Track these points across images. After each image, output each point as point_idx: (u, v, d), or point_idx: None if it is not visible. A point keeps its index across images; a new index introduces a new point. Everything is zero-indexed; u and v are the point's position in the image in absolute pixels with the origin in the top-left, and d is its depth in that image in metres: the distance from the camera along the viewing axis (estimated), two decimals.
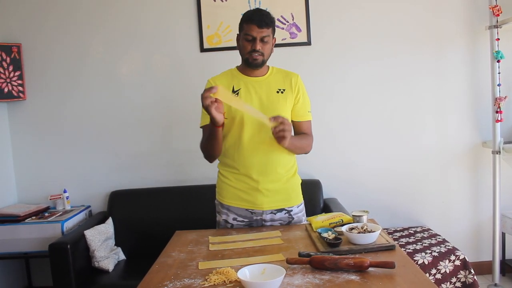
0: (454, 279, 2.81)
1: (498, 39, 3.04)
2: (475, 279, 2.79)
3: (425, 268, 2.74)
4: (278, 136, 1.86)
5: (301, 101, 2.11)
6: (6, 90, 3.12)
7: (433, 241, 2.98)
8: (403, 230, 3.24)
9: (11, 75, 3.15)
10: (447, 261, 2.79)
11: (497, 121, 3.07)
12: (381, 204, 3.30)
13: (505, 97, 3.06)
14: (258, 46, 1.97)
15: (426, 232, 3.16)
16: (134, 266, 2.93)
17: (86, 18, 3.24)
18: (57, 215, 3.04)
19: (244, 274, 1.43)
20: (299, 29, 3.23)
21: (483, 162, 3.31)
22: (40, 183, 3.32)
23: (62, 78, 3.28)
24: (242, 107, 1.90)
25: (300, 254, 1.60)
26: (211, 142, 1.99)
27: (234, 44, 2.22)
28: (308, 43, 3.24)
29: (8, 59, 3.13)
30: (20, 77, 3.21)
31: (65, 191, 3.23)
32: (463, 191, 3.36)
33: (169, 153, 3.31)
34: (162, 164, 3.33)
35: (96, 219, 3.10)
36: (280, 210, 2.10)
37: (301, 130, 2.16)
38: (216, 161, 2.18)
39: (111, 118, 3.31)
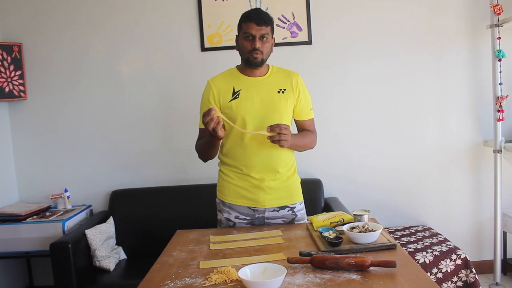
0: (455, 278, 2.80)
1: (499, 37, 3.04)
2: (476, 278, 2.79)
3: (426, 267, 2.74)
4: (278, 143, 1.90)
5: (303, 100, 2.12)
6: (7, 89, 3.12)
7: (434, 240, 2.98)
8: (404, 229, 3.24)
9: (12, 74, 3.15)
10: (448, 260, 2.79)
11: (499, 120, 3.07)
12: (382, 203, 3.30)
13: (507, 96, 3.05)
14: (258, 44, 1.98)
15: (427, 231, 3.16)
16: (135, 266, 2.93)
17: (87, 17, 3.24)
18: (58, 214, 3.05)
19: (245, 273, 1.43)
20: (300, 28, 3.23)
21: (485, 161, 3.31)
22: (41, 182, 3.32)
23: (63, 78, 3.28)
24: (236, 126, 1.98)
25: (301, 253, 1.60)
26: (210, 150, 2.06)
27: (235, 43, 2.21)
28: (309, 42, 3.24)
29: (9, 58, 3.13)
30: (21, 76, 3.21)
31: (66, 191, 3.23)
32: (464, 190, 3.36)
33: (170, 152, 3.32)
34: (163, 163, 3.33)
35: (97, 219, 3.10)
36: (283, 208, 2.11)
37: (304, 128, 2.18)
38: (217, 160, 2.19)
39: (112, 118, 3.31)
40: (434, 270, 2.77)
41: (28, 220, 2.94)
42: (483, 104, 3.28)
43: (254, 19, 1.97)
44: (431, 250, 2.83)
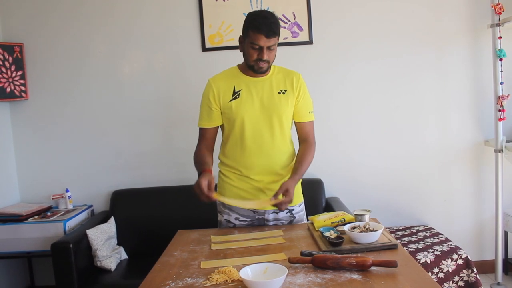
0: (456, 278, 2.80)
1: (500, 37, 3.04)
2: (477, 278, 2.79)
3: (427, 267, 2.74)
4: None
5: (302, 101, 2.09)
6: (8, 89, 3.13)
7: (436, 240, 2.98)
8: (405, 229, 3.23)
9: (13, 74, 3.16)
10: (449, 260, 2.79)
11: (500, 119, 3.07)
12: (383, 203, 3.30)
13: (508, 95, 3.05)
14: (265, 56, 1.94)
15: (428, 231, 3.16)
16: (136, 266, 2.93)
17: (87, 17, 3.24)
18: (59, 214, 3.05)
19: (246, 273, 1.43)
20: (300, 28, 3.23)
21: (486, 161, 3.30)
22: (42, 182, 3.33)
23: (64, 78, 3.28)
24: (237, 204, 2.00)
25: (302, 253, 1.60)
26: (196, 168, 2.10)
27: (236, 43, 2.19)
28: (310, 42, 3.24)
29: (10, 58, 3.13)
30: (22, 76, 3.21)
31: (67, 191, 3.23)
32: (465, 190, 3.36)
33: (171, 152, 3.32)
34: (164, 163, 3.33)
35: (98, 219, 3.10)
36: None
37: (303, 132, 2.14)
38: (217, 161, 2.18)
39: (113, 118, 3.31)
40: (435, 270, 2.77)
41: (29, 220, 2.94)
42: (484, 104, 3.28)
43: (264, 32, 1.89)
44: (432, 250, 2.83)
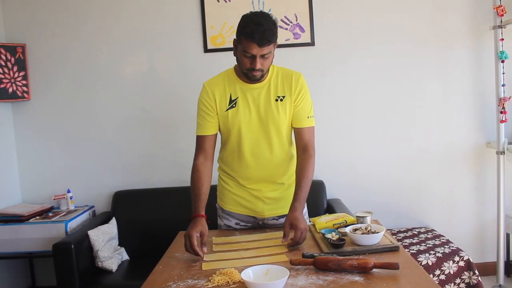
0: (458, 280, 2.80)
1: (503, 39, 3.03)
2: (479, 280, 2.78)
3: (429, 269, 2.73)
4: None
5: (300, 104, 1.95)
6: (10, 90, 3.13)
7: (437, 242, 2.98)
8: (407, 231, 3.23)
9: (16, 75, 3.16)
10: (451, 262, 2.79)
11: (502, 121, 3.06)
12: (385, 205, 3.30)
13: (510, 97, 3.05)
14: (258, 65, 1.81)
15: (430, 233, 3.15)
16: (138, 267, 2.93)
17: (90, 19, 3.25)
18: (61, 215, 3.05)
19: (248, 275, 1.43)
20: (302, 30, 3.23)
21: (487, 163, 3.30)
22: (44, 183, 3.33)
23: (66, 79, 3.29)
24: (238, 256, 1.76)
25: (303, 255, 1.60)
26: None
27: (233, 47, 2.13)
28: (312, 43, 3.24)
29: (12, 59, 3.14)
30: (25, 77, 3.22)
31: (69, 191, 3.24)
32: (467, 192, 3.35)
33: (172, 153, 3.32)
34: (166, 164, 3.33)
35: (100, 219, 3.10)
36: (283, 216, 2.05)
37: (301, 139, 1.99)
38: (216, 164, 2.14)
39: (115, 118, 3.31)
40: (437, 272, 2.77)
41: (31, 220, 2.95)
42: (486, 106, 3.27)
43: (257, 40, 1.75)
44: (434, 252, 2.82)
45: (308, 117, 1.98)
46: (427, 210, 3.35)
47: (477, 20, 3.24)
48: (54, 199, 3.22)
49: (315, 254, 1.59)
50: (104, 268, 2.81)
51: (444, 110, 3.30)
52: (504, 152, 3.08)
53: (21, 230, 2.90)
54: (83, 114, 3.31)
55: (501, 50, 3.03)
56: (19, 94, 3.19)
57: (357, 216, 1.88)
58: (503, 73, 3.05)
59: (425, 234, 3.13)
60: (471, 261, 2.81)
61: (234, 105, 1.94)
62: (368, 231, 1.72)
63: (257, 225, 2.10)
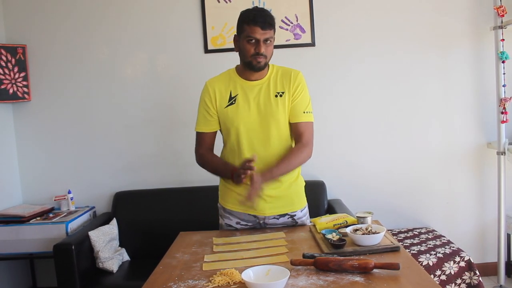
0: (459, 281, 2.79)
1: (503, 39, 3.03)
2: (480, 281, 2.78)
3: (429, 269, 2.73)
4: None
5: (297, 99, 1.98)
6: (11, 91, 3.14)
7: (438, 242, 2.97)
8: (407, 231, 3.23)
9: (16, 76, 3.16)
10: (452, 262, 2.79)
11: (502, 122, 3.06)
12: (386, 205, 3.30)
13: (510, 98, 3.05)
14: (263, 49, 1.88)
15: (430, 233, 3.15)
16: (138, 267, 2.93)
17: (90, 19, 3.25)
18: (61, 216, 3.05)
19: (248, 275, 1.43)
20: (303, 30, 3.23)
21: (488, 163, 3.30)
22: (45, 184, 3.33)
23: (67, 79, 3.29)
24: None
25: (304, 256, 1.60)
26: (215, 174, 2.10)
27: (234, 44, 2.15)
28: (312, 44, 3.24)
29: (13, 60, 3.14)
30: (25, 78, 3.22)
31: (69, 192, 3.24)
32: (468, 192, 3.35)
33: (173, 154, 3.32)
34: (166, 165, 3.33)
35: (101, 220, 3.10)
36: (283, 215, 2.08)
37: (296, 133, 2.02)
38: None
39: (115, 119, 3.31)
40: (438, 272, 2.76)
41: (31, 221, 2.95)
42: (486, 106, 3.27)
43: (260, 23, 1.86)
44: (435, 252, 2.82)
45: (304, 112, 2.00)
46: (428, 210, 3.35)
47: (478, 21, 3.23)
48: (54, 200, 3.22)
49: (316, 255, 1.59)
50: (105, 269, 2.82)
51: (445, 111, 3.30)
52: (504, 153, 3.07)
53: (21, 231, 2.90)
54: (84, 115, 3.31)
55: (501, 50, 3.03)
56: (20, 95, 3.19)
57: (357, 217, 1.88)
58: (504, 74, 3.05)
59: (426, 235, 3.13)
60: (472, 261, 2.81)
61: (233, 102, 1.98)
62: (369, 231, 1.71)
63: (258, 225, 2.10)
